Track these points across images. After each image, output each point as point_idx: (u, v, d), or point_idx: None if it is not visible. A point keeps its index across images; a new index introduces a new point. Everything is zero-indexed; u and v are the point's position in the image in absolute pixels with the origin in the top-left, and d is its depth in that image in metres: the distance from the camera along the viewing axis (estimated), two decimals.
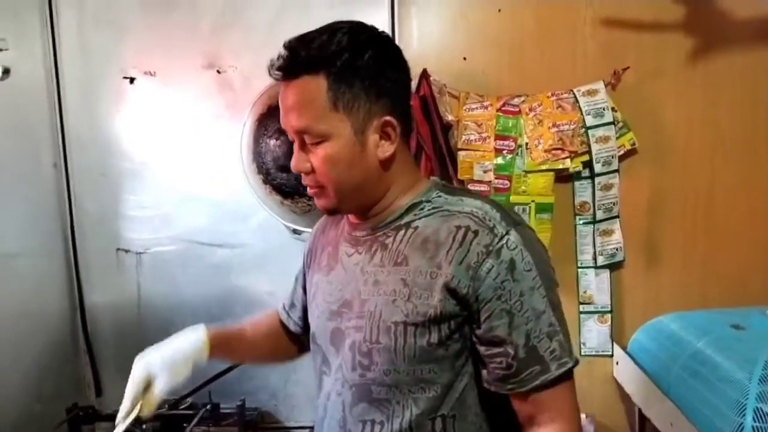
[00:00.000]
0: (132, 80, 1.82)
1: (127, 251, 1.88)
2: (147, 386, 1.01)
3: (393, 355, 0.89)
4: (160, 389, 1.01)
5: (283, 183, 1.67)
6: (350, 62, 0.88)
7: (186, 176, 1.86)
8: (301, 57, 0.89)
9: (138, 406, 1.00)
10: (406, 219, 0.94)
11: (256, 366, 1.61)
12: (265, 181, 1.69)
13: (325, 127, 0.89)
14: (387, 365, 0.90)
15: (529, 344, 0.86)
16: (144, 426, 1.71)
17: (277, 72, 0.91)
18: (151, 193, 1.87)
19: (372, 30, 0.92)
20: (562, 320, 0.89)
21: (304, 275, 1.16)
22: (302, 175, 0.94)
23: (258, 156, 1.69)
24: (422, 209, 0.94)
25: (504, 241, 0.87)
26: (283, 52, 0.90)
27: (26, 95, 1.72)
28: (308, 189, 0.96)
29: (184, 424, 1.64)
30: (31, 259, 1.70)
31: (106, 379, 1.89)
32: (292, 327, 1.19)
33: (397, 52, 0.94)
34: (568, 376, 0.89)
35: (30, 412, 1.59)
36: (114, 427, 1.01)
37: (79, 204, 1.85)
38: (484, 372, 0.90)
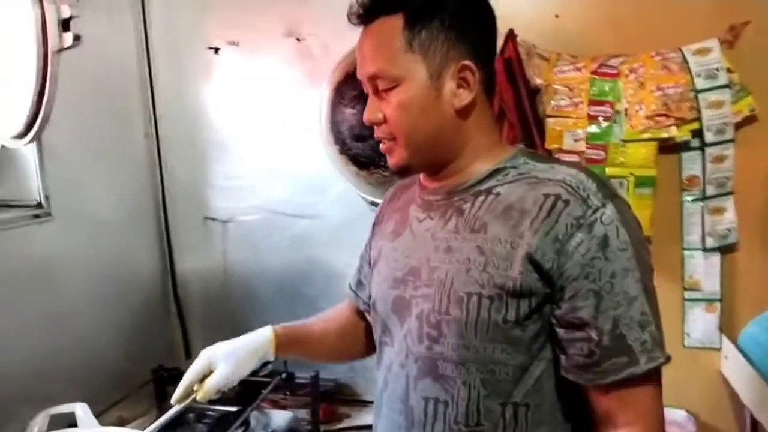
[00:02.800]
0: (216, 50, 1.84)
1: (214, 220, 1.93)
2: (208, 374, 1.06)
3: (463, 329, 0.83)
4: (216, 379, 1.04)
5: (359, 153, 1.63)
6: (429, 1, 0.84)
7: (269, 146, 1.86)
8: None
9: (194, 391, 1.06)
10: (488, 184, 0.87)
11: (327, 363, 1.65)
12: (342, 152, 1.66)
13: (398, 70, 0.85)
14: (456, 339, 0.84)
15: (616, 331, 0.77)
16: (226, 390, 1.76)
17: (356, 17, 0.88)
18: (236, 163, 1.90)
19: None
20: (656, 310, 0.80)
21: (370, 249, 1.11)
22: (375, 128, 0.90)
23: (335, 125, 1.66)
24: (506, 175, 0.87)
25: (598, 214, 0.78)
26: None
27: (118, 68, 1.78)
28: (380, 145, 0.92)
29: (262, 390, 1.67)
30: (125, 225, 1.79)
31: (194, 341, 1.97)
32: (362, 306, 1.15)
33: None
34: (657, 373, 0.79)
35: (119, 369, 1.69)
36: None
37: (170, 173, 1.92)
38: (563, 358, 0.82)
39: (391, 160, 0.91)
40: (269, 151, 1.87)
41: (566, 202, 0.79)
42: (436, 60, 0.85)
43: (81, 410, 1.24)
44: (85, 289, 1.60)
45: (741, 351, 1.50)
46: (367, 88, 0.90)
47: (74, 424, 1.24)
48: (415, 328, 0.89)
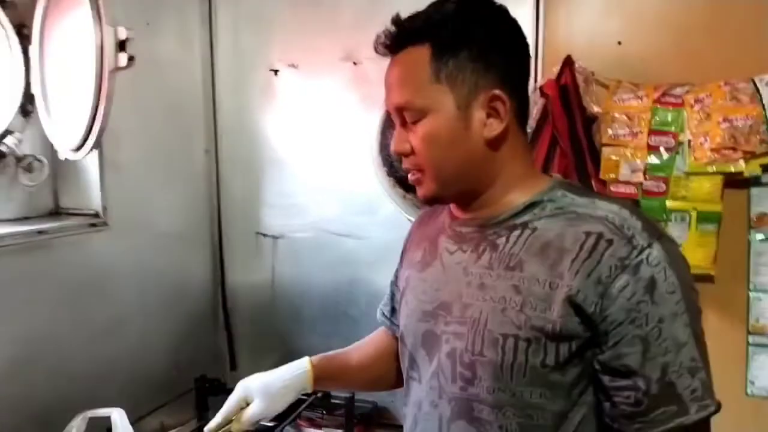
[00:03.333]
0: (276, 72, 1.89)
1: (265, 235, 1.97)
2: (245, 405, 1.07)
3: (499, 372, 0.80)
4: (252, 412, 1.05)
5: (405, 176, 1.61)
6: (456, 30, 0.83)
7: (322, 166, 1.88)
8: (406, 28, 0.85)
9: (230, 424, 1.07)
10: (524, 218, 0.84)
11: (367, 392, 1.66)
12: (389, 174, 1.67)
13: (425, 101, 0.83)
14: (491, 382, 0.80)
15: (665, 379, 0.73)
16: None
17: (382, 47, 0.88)
18: (289, 182, 1.93)
19: (484, 1, 0.86)
20: (705, 355, 0.76)
21: (398, 276, 1.10)
22: (403, 159, 0.89)
23: (384, 148, 1.67)
24: (543, 209, 0.83)
25: (644, 255, 0.74)
26: (389, 26, 0.87)
27: (185, 86, 1.86)
28: (409, 176, 0.90)
29: (298, 407, 1.67)
30: (180, 237, 1.85)
31: (240, 354, 2.01)
32: (398, 333, 1.11)
33: (513, 23, 0.86)
34: (707, 423, 0.75)
35: (165, 376, 1.74)
36: None
37: (226, 189, 1.98)
38: (607, 405, 0.78)
39: (420, 192, 0.90)
40: (322, 171, 1.89)
41: (609, 242, 0.75)
42: (465, 90, 0.82)
43: (117, 415, 1.28)
44: (136, 297, 1.66)
45: None
46: (395, 119, 0.89)
47: (111, 429, 1.28)
48: (447, 366, 0.86)
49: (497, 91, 0.82)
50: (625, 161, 1.51)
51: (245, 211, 1.97)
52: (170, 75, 1.78)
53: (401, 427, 1.77)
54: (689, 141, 1.46)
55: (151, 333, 1.70)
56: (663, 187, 1.49)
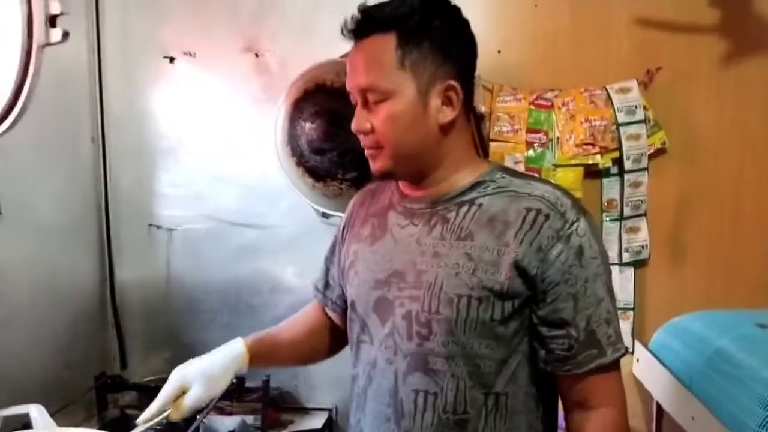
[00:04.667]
0: (172, 60, 1.85)
1: (159, 227, 1.91)
2: (182, 393, 1.05)
3: (453, 327, 0.92)
4: (191, 397, 1.04)
5: (317, 166, 1.69)
6: (420, 23, 0.93)
7: (219, 156, 1.89)
8: (373, 16, 0.93)
9: (167, 411, 1.04)
10: (470, 196, 0.97)
11: (300, 367, 1.70)
12: (299, 164, 1.71)
13: (390, 85, 0.92)
14: (446, 336, 0.93)
15: (588, 328, 0.90)
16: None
17: (349, 32, 0.95)
18: (184, 172, 1.91)
19: None
20: (615, 309, 0.95)
21: (340, 251, 1.16)
22: (361, 136, 0.98)
23: (293, 138, 1.71)
24: (486, 188, 0.97)
25: (574, 227, 0.91)
26: (356, 13, 0.95)
27: (68, 71, 1.75)
28: (366, 151, 0.99)
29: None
30: (66, 230, 1.73)
31: (131, 352, 1.92)
32: (330, 307, 1.20)
33: (466, 22, 0.98)
34: (618, 363, 0.94)
35: (58, 378, 1.63)
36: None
37: (115, 179, 1.89)
38: (542, 352, 0.94)
39: (375, 166, 0.98)
40: (219, 160, 1.89)
41: (546, 216, 0.91)
42: (425, 78, 0.92)
43: (36, 411, 1.20)
44: (23, 296, 1.54)
45: (652, 354, 1.70)
46: (355, 99, 0.97)
47: (29, 426, 1.20)
48: (402, 326, 0.96)
49: (452, 82, 0.93)
50: (508, 154, 1.75)
51: (136, 203, 1.90)
52: (54, 57, 1.63)
53: (306, 408, 1.88)
54: (557, 138, 1.74)
55: (38, 333, 1.58)
56: (537, 176, 1.75)
